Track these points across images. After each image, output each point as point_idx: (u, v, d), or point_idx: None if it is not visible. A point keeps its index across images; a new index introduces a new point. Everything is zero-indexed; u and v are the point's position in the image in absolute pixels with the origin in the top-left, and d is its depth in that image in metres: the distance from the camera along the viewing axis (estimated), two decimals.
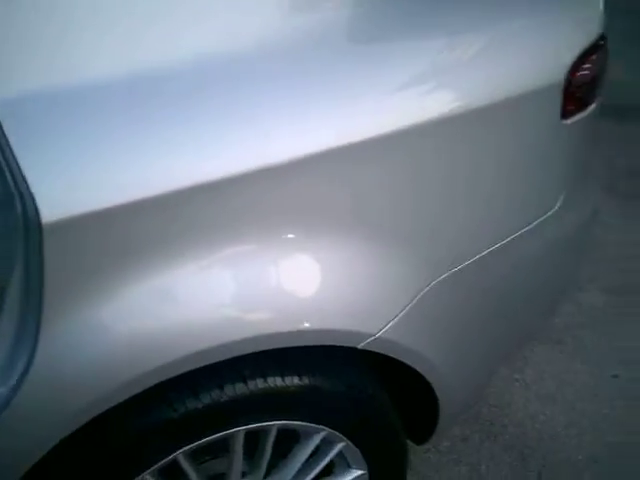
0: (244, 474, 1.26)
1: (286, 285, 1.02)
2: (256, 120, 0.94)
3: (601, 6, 1.34)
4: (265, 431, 1.18)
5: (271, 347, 1.02)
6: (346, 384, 1.16)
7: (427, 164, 1.09)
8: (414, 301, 1.11)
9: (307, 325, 1.04)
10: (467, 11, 1.17)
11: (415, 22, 1.13)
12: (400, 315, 1.10)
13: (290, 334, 1.02)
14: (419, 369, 1.20)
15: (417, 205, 1.10)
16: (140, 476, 1.07)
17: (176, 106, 0.91)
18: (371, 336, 1.09)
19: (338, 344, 1.09)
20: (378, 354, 1.13)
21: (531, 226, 1.26)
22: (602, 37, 1.33)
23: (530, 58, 1.20)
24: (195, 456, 1.17)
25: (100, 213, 0.83)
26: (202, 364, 0.98)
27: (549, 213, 1.29)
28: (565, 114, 1.25)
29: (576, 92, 1.26)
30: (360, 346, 1.09)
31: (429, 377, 1.23)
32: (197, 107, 0.92)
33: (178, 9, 0.96)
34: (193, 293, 0.95)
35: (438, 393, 1.27)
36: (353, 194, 1.03)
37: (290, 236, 0.99)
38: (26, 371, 0.86)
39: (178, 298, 0.94)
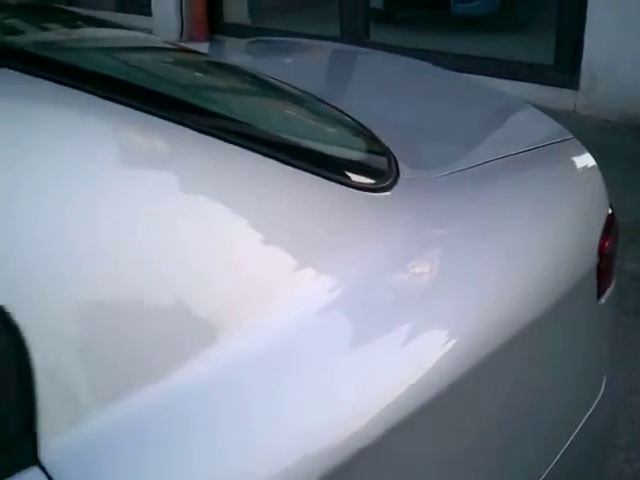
0: None
1: None
2: None
3: (602, 181, 1.31)
4: None
5: None
6: None
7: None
8: None
9: None
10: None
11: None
12: None
13: None
14: None
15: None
16: None
17: None
18: None
19: None
20: None
21: (581, 423, 1.15)
22: (610, 206, 1.30)
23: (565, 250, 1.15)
24: None
25: None
26: None
27: (596, 402, 1.19)
28: (599, 293, 1.18)
29: (605, 267, 1.20)
30: None
31: None
32: None
33: None
34: None
35: None
36: None
37: None
38: None
39: None
